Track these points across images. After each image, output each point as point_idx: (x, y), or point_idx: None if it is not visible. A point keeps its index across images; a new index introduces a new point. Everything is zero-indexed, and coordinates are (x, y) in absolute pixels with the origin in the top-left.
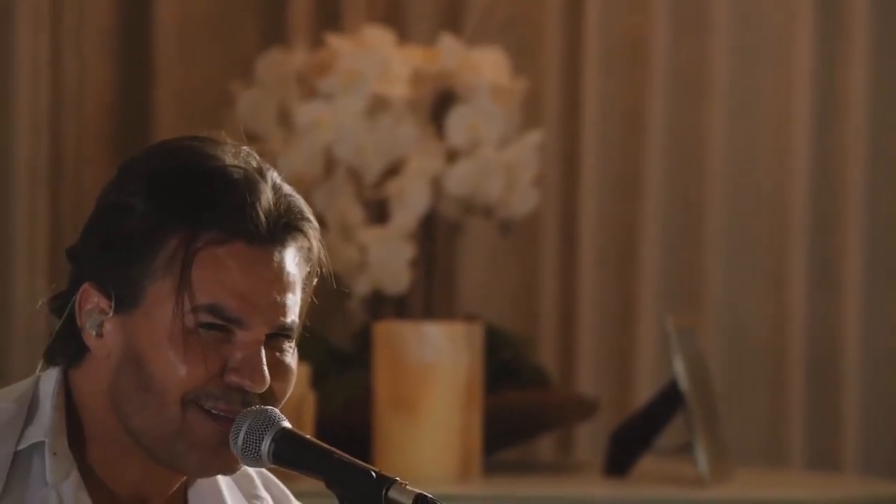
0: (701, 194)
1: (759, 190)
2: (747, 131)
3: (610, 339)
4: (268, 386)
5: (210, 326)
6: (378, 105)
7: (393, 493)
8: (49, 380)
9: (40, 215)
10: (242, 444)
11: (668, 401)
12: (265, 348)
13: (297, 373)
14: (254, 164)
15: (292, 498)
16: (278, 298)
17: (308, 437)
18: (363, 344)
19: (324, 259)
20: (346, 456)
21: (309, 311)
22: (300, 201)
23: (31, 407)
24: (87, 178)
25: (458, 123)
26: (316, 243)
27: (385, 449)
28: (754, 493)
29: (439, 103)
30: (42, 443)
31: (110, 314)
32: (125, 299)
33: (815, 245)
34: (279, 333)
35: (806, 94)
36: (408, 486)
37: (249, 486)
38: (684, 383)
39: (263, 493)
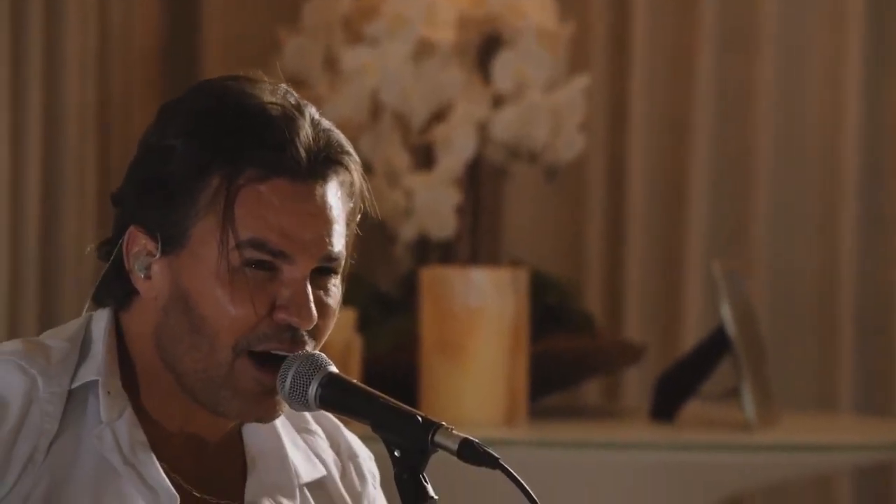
0: (750, 138)
1: (809, 134)
2: (797, 77)
3: (657, 284)
4: (315, 323)
5: (255, 264)
6: (424, 50)
7: (439, 438)
8: (100, 320)
9: (89, 160)
10: (290, 389)
11: (715, 346)
12: (310, 285)
13: (344, 318)
14: (292, 100)
15: (344, 429)
16: (322, 233)
17: (354, 381)
18: (409, 289)
19: (367, 193)
20: (393, 401)
21: (355, 247)
22: (340, 136)
23: (83, 346)
24: (135, 122)
25: (504, 68)
26: (358, 177)
27: (431, 394)
28: (801, 438)
29: (485, 48)
30: (95, 381)
31: (157, 256)
32: (171, 240)
33: (864, 190)
34: (325, 268)
35: (857, 39)
36: (454, 431)
37: (301, 420)
38: (731, 328)
39: (314, 427)
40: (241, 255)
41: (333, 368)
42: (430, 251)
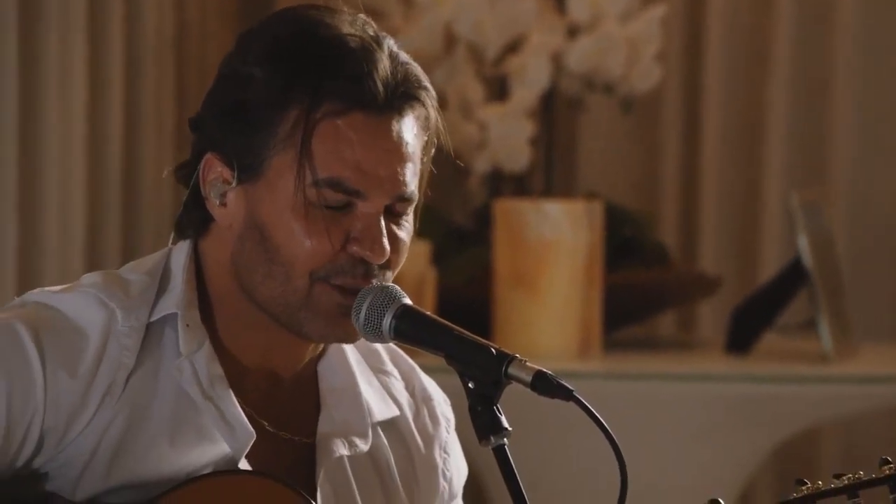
0: (829, 66)
1: (888, 64)
2: (878, 3)
3: (733, 216)
4: (388, 257)
5: (331, 200)
6: None
7: (513, 370)
8: (180, 253)
9: (166, 89)
10: (364, 320)
11: (792, 277)
12: (384, 219)
13: (419, 250)
14: (370, 32)
15: (420, 372)
16: (397, 169)
17: (428, 313)
18: (483, 222)
19: (441, 128)
20: (466, 333)
21: (429, 182)
22: (417, 69)
23: (162, 279)
24: (211, 51)
25: None
26: (433, 112)
27: (505, 326)
28: (879, 370)
29: None
30: (174, 314)
31: (233, 184)
32: (248, 169)
33: None
34: (398, 203)
35: None
36: (527, 363)
37: (377, 361)
38: (809, 259)
39: (390, 368)
40: (318, 193)
41: (408, 300)
42: (503, 183)
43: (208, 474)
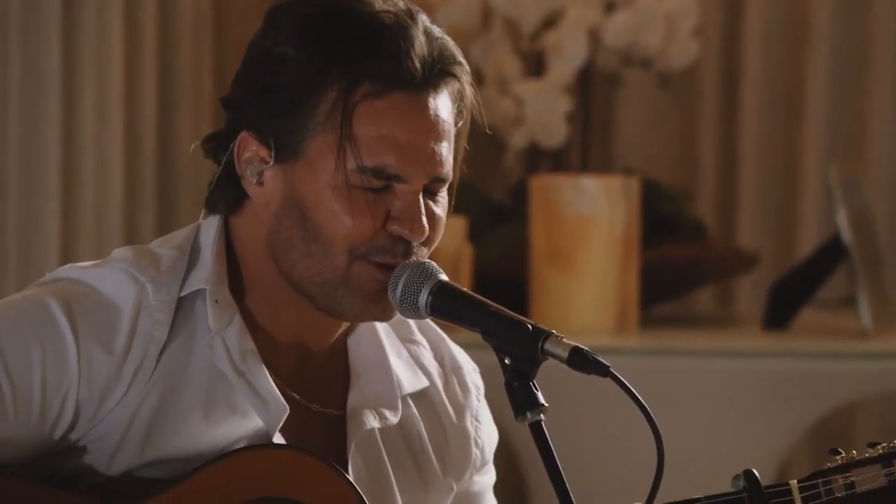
0: (869, 41)
1: None
2: None
3: (772, 191)
4: (427, 236)
5: (373, 184)
6: None
7: (549, 346)
8: (210, 228)
9: (204, 65)
10: (401, 296)
11: (831, 253)
12: (422, 197)
13: (455, 226)
14: (403, 7)
15: (448, 341)
16: (435, 148)
17: (465, 289)
18: (520, 197)
19: (476, 102)
20: (503, 308)
21: (464, 159)
22: (451, 44)
23: (192, 254)
24: (251, 27)
25: None
26: (469, 87)
27: (541, 301)
28: None
29: None
30: (204, 290)
31: (271, 163)
32: (285, 149)
33: None
34: (436, 182)
35: None
36: (564, 339)
37: (406, 331)
38: (847, 235)
39: (419, 337)
40: (361, 178)
41: (444, 276)
42: (540, 159)
43: (242, 448)
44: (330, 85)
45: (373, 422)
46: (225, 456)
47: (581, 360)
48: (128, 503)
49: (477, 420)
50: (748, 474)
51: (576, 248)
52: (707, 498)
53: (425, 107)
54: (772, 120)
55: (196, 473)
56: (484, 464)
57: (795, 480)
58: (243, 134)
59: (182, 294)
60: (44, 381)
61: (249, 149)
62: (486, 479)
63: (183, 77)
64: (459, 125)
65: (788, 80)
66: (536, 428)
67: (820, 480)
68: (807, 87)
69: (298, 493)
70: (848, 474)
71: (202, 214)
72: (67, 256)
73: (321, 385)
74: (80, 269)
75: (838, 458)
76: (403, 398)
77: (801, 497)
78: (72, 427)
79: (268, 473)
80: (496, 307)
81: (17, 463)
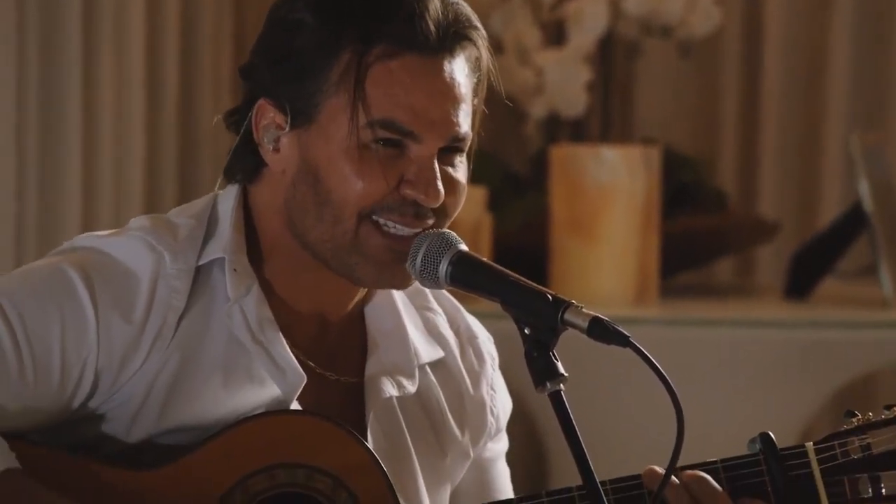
0: (893, 9)
1: None
2: None
3: (793, 160)
4: (442, 201)
5: (385, 142)
6: None
7: (569, 316)
8: (227, 197)
9: (224, 34)
10: (420, 266)
11: (852, 222)
12: (438, 162)
13: (474, 196)
14: None
15: (464, 311)
16: (450, 110)
17: (485, 259)
18: (540, 167)
19: (493, 67)
20: (522, 279)
21: (482, 124)
22: (467, 8)
23: (210, 224)
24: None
25: None
26: (485, 52)
27: (561, 271)
28: None
29: None
30: (222, 259)
31: (287, 129)
32: (301, 114)
33: None
34: (452, 146)
35: None
36: (584, 309)
37: (422, 300)
38: (869, 204)
39: (435, 306)
40: (371, 133)
41: (464, 246)
42: (560, 129)
43: (260, 415)
44: (344, 48)
45: (391, 390)
46: (242, 422)
47: (601, 330)
48: (146, 469)
49: (493, 389)
50: (764, 436)
51: (596, 217)
52: (723, 460)
53: (440, 70)
54: (793, 89)
55: (214, 439)
56: (498, 431)
57: (811, 442)
58: (261, 101)
59: (200, 263)
60: (63, 350)
61: (266, 116)
62: (498, 446)
63: (203, 47)
64: (476, 90)
65: (810, 48)
66: (556, 398)
67: (836, 442)
68: (829, 56)
69: (316, 459)
70: (864, 436)
71: (218, 184)
72: (87, 226)
73: (339, 354)
74: (98, 238)
75: (854, 420)
76: (421, 367)
77: (818, 459)
78: (91, 394)
79: (285, 440)
80: (516, 277)
81: (37, 430)
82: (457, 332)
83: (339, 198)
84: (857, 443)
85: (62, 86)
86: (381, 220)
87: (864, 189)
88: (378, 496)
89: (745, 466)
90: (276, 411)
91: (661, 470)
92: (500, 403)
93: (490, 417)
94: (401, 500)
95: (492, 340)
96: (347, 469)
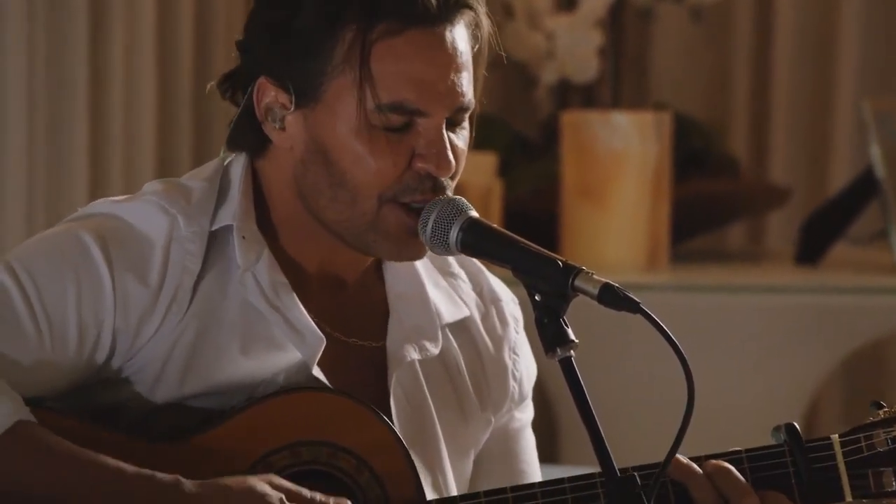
0: None
1: None
2: None
3: (804, 126)
4: (453, 170)
5: (393, 122)
6: None
7: (579, 282)
8: (238, 164)
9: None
10: (431, 233)
11: (864, 188)
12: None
13: (485, 162)
14: None
15: (487, 273)
16: (454, 80)
17: (495, 226)
18: (550, 133)
19: (493, 31)
20: (533, 245)
21: (484, 89)
22: None
23: (221, 189)
24: None
25: None
26: (484, 17)
27: (572, 238)
28: None
29: None
30: (233, 226)
31: (291, 109)
32: (304, 94)
33: None
34: (457, 114)
35: None
36: (594, 276)
37: (444, 263)
38: (881, 169)
39: (457, 270)
40: (381, 117)
41: (474, 213)
42: (571, 94)
43: (281, 391)
44: (346, 26)
45: (413, 353)
46: (267, 398)
47: (611, 297)
48: (168, 444)
49: (515, 353)
50: (789, 427)
51: (607, 183)
52: (748, 450)
53: (442, 40)
54: (805, 54)
55: (238, 414)
56: (523, 399)
57: (837, 435)
58: (261, 79)
59: (213, 228)
60: (79, 312)
61: (268, 94)
62: (525, 415)
63: (217, 10)
64: (477, 56)
65: (822, 13)
66: (567, 364)
67: (861, 435)
68: (841, 20)
69: (340, 437)
70: (890, 429)
71: (221, 152)
72: (95, 194)
73: (358, 319)
74: (112, 203)
75: (881, 412)
76: (442, 329)
77: (843, 451)
78: (109, 358)
79: (309, 417)
80: (526, 243)
81: (57, 396)
82: (479, 294)
83: (354, 179)
84: (882, 435)
85: (70, 50)
86: (405, 200)
87: (876, 154)
88: (401, 477)
89: (769, 458)
90: (297, 388)
91: (685, 460)
92: (524, 367)
93: (512, 382)
94: (424, 468)
95: (517, 302)
96: (371, 448)
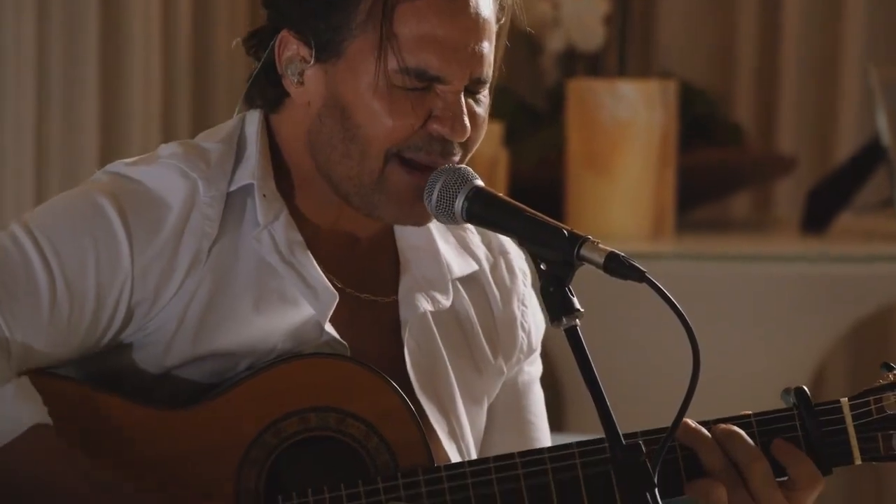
0: None
1: None
2: None
3: (811, 94)
4: (468, 136)
5: (414, 83)
6: None
7: (585, 251)
8: (252, 122)
9: None
10: (436, 202)
11: (870, 156)
12: (463, 97)
13: (490, 131)
14: None
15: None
16: (476, 48)
17: (501, 195)
18: (556, 102)
19: (517, 1)
20: (539, 214)
21: (503, 59)
22: None
23: (238, 148)
24: None
25: None
26: None
27: (578, 207)
28: None
29: None
30: (252, 185)
31: (311, 63)
32: (326, 49)
33: None
34: (477, 82)
35: None
36: (600, 245)
37: None
38: (887, 137)
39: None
40: (402, 79)
41: (480, 182)
42: (577, 63)
43: (293, 356)
44: None
45: (425, 305)
46: (277, 363)
47: (617, 266)
48: (178, 409)
49: (523, 304)
50: (799, 391)
51: (612, 152)
52: (756, 414)
53: (466, 5)
54: (812, 21)
55: (248, 380)
56: (532, 351)
57: (846, 398)
58: (284, 33)
59: (231, 189)
60: (98, 278)
61: (290, 48)
62: (533, 368)
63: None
64: (501, 23)
65: None
66: (572, 333)
67: (871, 398)
68: None
69: (350, 404)
70: None
71: (238, 109)
72: (105, 157)
73: (371, 274)
74: (130, 166)
75: (891, 374)
76: (453, 283)
77: (853, 414)
78: (126, 324)
79: (319, 383)
80: (532, 212)
81: (68, 362)
82: (488, 247)
83: (367, 134)
84: (892, 398)
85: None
86: (408, 156)
87: (882, 122)
88: (410, 443)
89: (778, 421)
90: (309, 354)
91: (694, 424)
92: (532, 319)
93: (521, 333)
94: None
95: (523, 257)
96: (380, 415)
